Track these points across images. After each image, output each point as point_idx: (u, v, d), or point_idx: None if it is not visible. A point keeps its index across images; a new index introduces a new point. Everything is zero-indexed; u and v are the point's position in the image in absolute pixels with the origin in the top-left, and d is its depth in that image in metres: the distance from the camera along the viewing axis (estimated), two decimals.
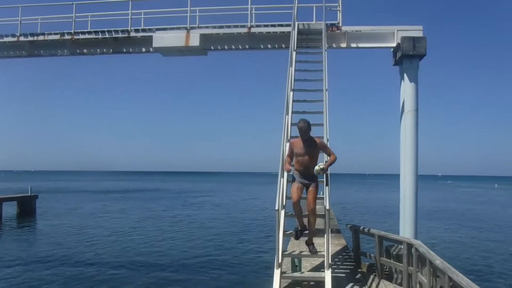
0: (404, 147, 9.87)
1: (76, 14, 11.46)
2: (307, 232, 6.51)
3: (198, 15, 11.07)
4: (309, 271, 6.86)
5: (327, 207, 5.95)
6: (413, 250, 6.76)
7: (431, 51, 12.15)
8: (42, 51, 12.00)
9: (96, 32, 11.32)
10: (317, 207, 6.39)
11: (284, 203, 6.48)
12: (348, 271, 7.22)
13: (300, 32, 10.14)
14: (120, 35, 11.22)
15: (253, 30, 10.65)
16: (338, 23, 10.47)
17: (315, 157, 6.48)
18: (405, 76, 9.85)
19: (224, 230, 23.69)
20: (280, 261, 5.99)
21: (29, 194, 29.83)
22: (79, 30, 11.44)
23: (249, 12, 10.68)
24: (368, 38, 10.55)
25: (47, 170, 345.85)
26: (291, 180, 6.66)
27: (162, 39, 10.76)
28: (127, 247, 17.96)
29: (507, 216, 33.84)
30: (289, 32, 9.85)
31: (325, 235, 6.06)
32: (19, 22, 11.70)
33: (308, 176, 6.39)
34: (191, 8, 10.95)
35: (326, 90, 7.96)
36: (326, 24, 10.20)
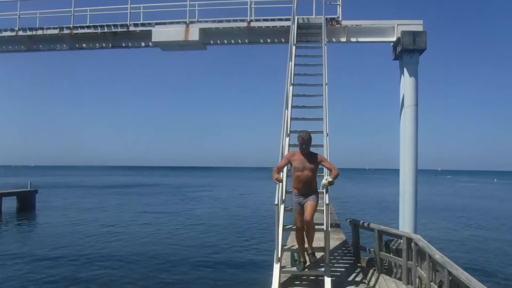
0: (404, 141, 9.88)
1: (75, 9, 11.43)
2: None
3: (198, 10, 11.05)
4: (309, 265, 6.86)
5: (326, 202, 5.94)
6: (412, 244, 6.79)
7: (431, 45, 12.16)
8: (41, 46, 11.98)
9: (95, 27, 11.30)
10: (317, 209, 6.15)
11: (283, 198, 6.46)
12: (348, 265, 7.22)
13: (299, 27, 10.11)
14: (119, 29, 11.21)
15: (252, 24, 10.64)
16: (338, 17, 10.45)
17: (315, 173, 6.07)
18: (405, 70, 9.85)
19: (223, 224, 23.73)
20: (279, 255, 6.00)
21: (28, 189, 29.80)
22: (78, 25, 11.43)
23: (248, 6, 10.67)
24: (368, 33, 10.54)
25: (46, 165, 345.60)
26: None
27: (162, 33, 10.74)
28: (126, 241, 18.01)
29: (506, 211, 33.90)
30: (288, 27, 9.83)
31: (325, 230, 6.06)
32: (17, 17, 11.68)
33: (306, 193, 5.99)
34: (190, 3, 10.94)
35: (326, 84, 7.96)
36: (326, 19, 10.19)
